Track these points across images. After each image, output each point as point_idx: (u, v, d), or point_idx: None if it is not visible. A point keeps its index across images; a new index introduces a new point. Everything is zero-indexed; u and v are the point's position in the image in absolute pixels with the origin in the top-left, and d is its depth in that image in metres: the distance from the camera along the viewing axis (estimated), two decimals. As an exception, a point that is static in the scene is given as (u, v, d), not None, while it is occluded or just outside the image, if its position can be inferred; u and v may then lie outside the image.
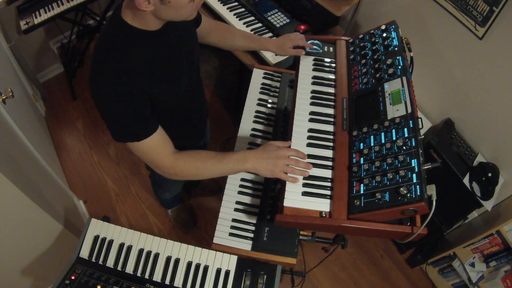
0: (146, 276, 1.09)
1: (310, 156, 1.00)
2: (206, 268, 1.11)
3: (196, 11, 0.88)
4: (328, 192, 0.93)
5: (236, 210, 1.19)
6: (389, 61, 1.07)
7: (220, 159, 0.98)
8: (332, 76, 1.20)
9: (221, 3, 1.97)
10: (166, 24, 0.91)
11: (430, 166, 0.83)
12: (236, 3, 1.98)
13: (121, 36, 0.86)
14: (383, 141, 0.92)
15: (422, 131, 0.91)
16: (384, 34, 1.16)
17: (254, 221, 1.16)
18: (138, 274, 1.09)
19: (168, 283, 1.08)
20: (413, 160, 0.84)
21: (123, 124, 0.90)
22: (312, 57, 1.25)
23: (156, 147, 0.95)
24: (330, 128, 1.06)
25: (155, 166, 0.99)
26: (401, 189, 0.80)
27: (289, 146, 1.01)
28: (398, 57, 1.07)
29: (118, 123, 0.90)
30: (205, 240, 2.13)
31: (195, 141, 1.36)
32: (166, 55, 0.94)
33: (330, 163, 0.99)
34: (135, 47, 0.87)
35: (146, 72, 0.89)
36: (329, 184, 0.95)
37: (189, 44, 1.05)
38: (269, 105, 1.44)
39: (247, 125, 1.37)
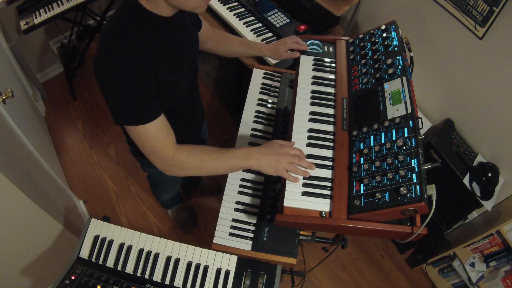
0: (146, 276, 1.09)
1: (310, 156, 1.00)
2: (206, 268, 1.11)
3: (205, 5, 0.88)
4: (328, 192, 0.93)
5: (236, 210, 1.19)
6: (389, 61, 1.07)
7: (224, 153, 0.97)
8: (332, 76, 1.20)
9: (221, 3, 1.97)
10: (175, 15, 0.92)
11: (430, 166, 0.83)
12: (236, 3, 1.98)
13: (134, 16, 0.86)
14: (383, 141, 0.92)
15: (422, 131, 0.91)
16: (384, 34, 1.16)
17: (254, 221, 1.16)
18: (138, 274, 1.09)
19: (168, 283, 1.08)
20: (413, 160, 0.84)
21: (128, 104, 0.88)
22: (312, 57, 1.25)
23: (159, 133, 0.94)
24: (330, 128, 1.06)
25: (156, 155, 0.96)
26: (401, 189, 0.80)
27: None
28: (398, 57, 1.07)
29: (123, 102, 0.88)
30: (205, 240, 2.13)
31: (190, 140, 1.35)
32: (173, 43, 0.95)
33: (330, 163, 0.99)
34: (147, 28, 0.87)
35: (155, 55, 0.89)
36: (329, 184, 0.95)
37: (192, 43, 1.06)
38: (269, 105, 1.44)
39: (247, 125, 1.37)
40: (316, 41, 1.28)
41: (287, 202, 0.92)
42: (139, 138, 0.94)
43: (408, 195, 0.80)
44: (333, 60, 1.24)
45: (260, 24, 1.90)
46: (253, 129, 1.37)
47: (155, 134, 0.93)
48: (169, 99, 1.02)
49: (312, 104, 1.12)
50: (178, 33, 0.97)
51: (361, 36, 1.23)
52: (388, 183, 0.84)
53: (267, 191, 1.23)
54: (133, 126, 0.91)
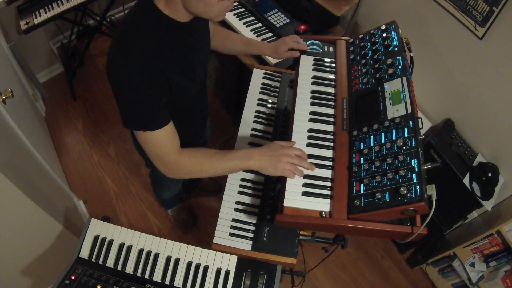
0: (146, 276, 1.09)
1: (310, 156, 1.00)
2: (206, 268, 1.11)
3: (225, 14, 0.89)
4: (328, 192, 0.93)
5: (236, 210, 1.19)
6: (389, 61, 1.07)
7: (223, 155, 0.98)
8: (332, 76, 1.20)
9: (221, 3, 1.97)
10: (191, 21, 0.92)
11: (430, 166, 0.83)
12: (236, 3, 1.98)
13: (150, 19, 0.86)
14: (383, 141, 0.92)
15: (422, 131, 0.91)
16: (384, 34, 1.16)
17: (254, 221, 1.16)
18: (138, 274, 1.09)
19: (168, 283, 1.08)
20: (413, 160, 0.84)
21: (139, 110, 0.88)
22: (312, 57, 1.25)
23: (166, 140, 0.94)
24: (330, 128, 1.06)
25: (160, 160, 0.97)
26: (401, 189, 0.80)
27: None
28: (398, 57, 1.07)
29: (134, 108, 0.88)
30: (205, 240, 2.13)
31: (195, 140, 1.37)
32: (187, 49, 0.96)
33: (330, 163, 0.99)
34: (163, 33, 0.87)
35: (170, 60, 0.89)
36: (329, 184, 0.95)
37: (205, 47, 1.07)
38: (269, 105, 1.44)
39: (247, 125, 1.37)
40: (316, 41, 1.28)
41: (287, 202, 0.92)
42: (146, 143, 0.95)
43: (408, 195, 0.80)
44: (333, 60, 1.24)
45: (260, 24, 1.90)
46: (253, 129, 1.37)
47: (162, 140, 0.94)
48: (179, 101, 1.03)
49: (312, 104, 1.12)
50: (193, 39, 0.97)
51: (361, 36, 1.23)
52: (388, 183, 0.84)
53: (267, 191, 1.23)
54: (141, 132, 0.92)
